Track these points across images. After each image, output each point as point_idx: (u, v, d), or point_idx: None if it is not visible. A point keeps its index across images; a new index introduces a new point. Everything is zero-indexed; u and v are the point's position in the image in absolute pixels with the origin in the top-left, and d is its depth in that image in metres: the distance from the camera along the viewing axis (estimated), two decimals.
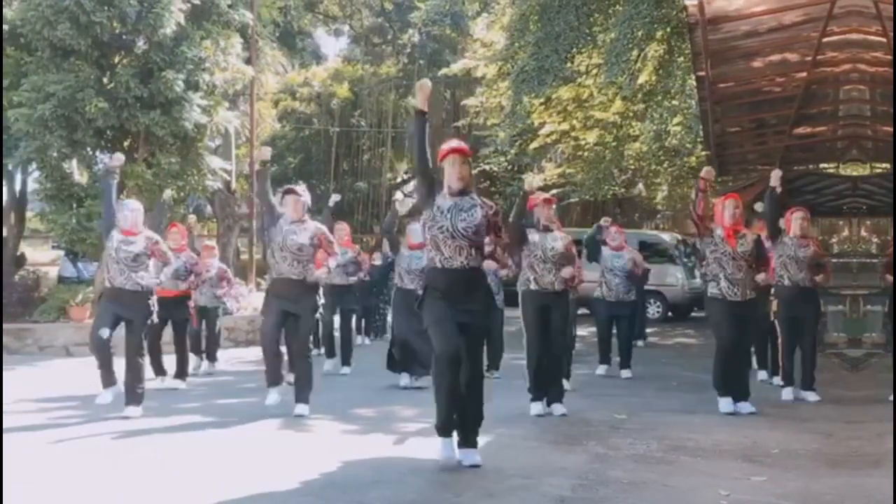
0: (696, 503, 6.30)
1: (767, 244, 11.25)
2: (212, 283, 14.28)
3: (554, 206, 10.47)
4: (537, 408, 9.93)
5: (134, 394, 10.11)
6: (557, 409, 9.95)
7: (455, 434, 7.45)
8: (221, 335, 15.47)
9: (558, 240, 10.16)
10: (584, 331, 17.41)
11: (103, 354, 10.23)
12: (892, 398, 10.29)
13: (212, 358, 14.79)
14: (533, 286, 10.06)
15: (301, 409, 9.87)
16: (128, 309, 10.18)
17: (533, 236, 10.12)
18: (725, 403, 10.07)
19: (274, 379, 10.18)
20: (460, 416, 7.41)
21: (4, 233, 24.47)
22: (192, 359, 13.95)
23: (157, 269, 10.81)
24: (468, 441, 7.43)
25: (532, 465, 7.35)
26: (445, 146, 7.65)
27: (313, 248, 10.04)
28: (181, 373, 13.01)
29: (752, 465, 7.44)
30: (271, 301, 10.21)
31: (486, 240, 7.67)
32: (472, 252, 7.40)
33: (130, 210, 10.41)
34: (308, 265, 9.99)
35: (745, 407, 10.05)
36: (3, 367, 15.17)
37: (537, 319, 10.02)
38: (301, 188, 10.43)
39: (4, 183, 23.10)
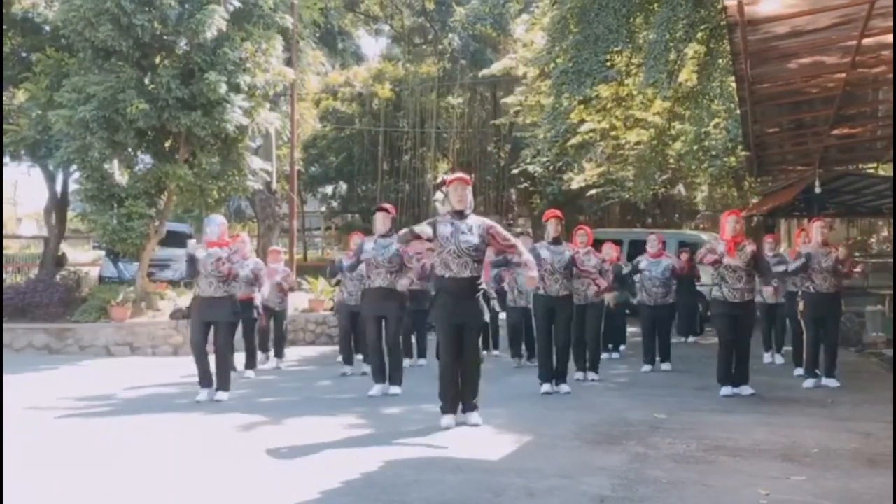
0: (736, 503, 6.32)
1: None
2: (279, 286, 15.28)
3: (563, 222, 12.55)
4: (546, 387, 12.04)
5: (224, 381, 11.66)
6: (563, 388, 12.09)
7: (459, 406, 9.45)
8: (288, 333, 16.82)
9: (565, 252, 12.26)
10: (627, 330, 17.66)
11: (201, 361, 11.67)
12: None
13: (279, 354, 15.79)
14: (541, 292, 12.14)
15: (395, 389, 11.89)
16: (214, 312, 11.61)
17: (544, 252, 12.14)
18: (726, 390, 11.69)
19: (382, 378, 11.96)
20: (462, 388, 9.47)
21: (45, 233, 24.75)
22: (259, 355, 15.08)
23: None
24: (469, 406, 9.44)
25: (572, 465, 7.40)
26: (451, 176, 9.83)
27: (400, 258, 11.86)
28: (250, 364, 14.70)
29: (791, 464, 7.46)
30: (366, 313, 12.13)
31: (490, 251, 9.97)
32: (474, 265, 9.38)
33: (217, 224, 11.91)
34: (396, 274, 11.90)
35: (745, 389, 11.67)
36: (46, 367, 15.40)
37: (546, 319, 12.20)
38: (389, 206, 12.38)
39: (46, 183, 23.24)
